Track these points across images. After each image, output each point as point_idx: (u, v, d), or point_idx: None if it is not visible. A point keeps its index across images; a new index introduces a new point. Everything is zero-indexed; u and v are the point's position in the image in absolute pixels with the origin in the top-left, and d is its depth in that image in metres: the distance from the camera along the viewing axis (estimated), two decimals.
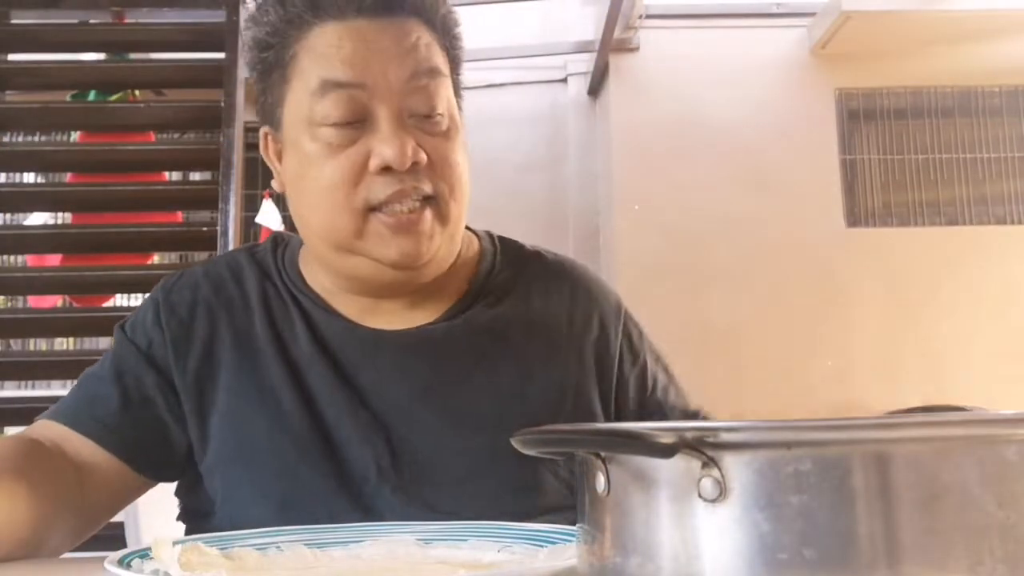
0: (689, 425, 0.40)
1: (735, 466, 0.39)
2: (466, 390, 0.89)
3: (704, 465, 0.39)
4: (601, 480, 0.44)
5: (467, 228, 0.99)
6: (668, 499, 0.41)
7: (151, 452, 0.90)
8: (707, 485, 0.39)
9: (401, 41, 0.84)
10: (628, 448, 0.41)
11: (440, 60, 0.87)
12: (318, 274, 0.93)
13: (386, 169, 0.82)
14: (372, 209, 0.83)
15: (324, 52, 0.83)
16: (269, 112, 0.90)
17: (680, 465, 0.40)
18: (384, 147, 0.81)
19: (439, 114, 0.85)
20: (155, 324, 0.92)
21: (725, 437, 0.39)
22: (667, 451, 0.39)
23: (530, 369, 0.91)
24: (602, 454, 0.43)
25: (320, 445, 0.86)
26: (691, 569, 0.40)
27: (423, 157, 0.83)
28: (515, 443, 0.47)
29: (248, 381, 0.89)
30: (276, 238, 1.00)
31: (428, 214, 0.84)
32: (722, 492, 0.39)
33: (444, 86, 0.86)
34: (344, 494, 0.85)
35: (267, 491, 0.86)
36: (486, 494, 0.84)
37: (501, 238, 1.02)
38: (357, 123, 0.83)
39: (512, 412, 0.89)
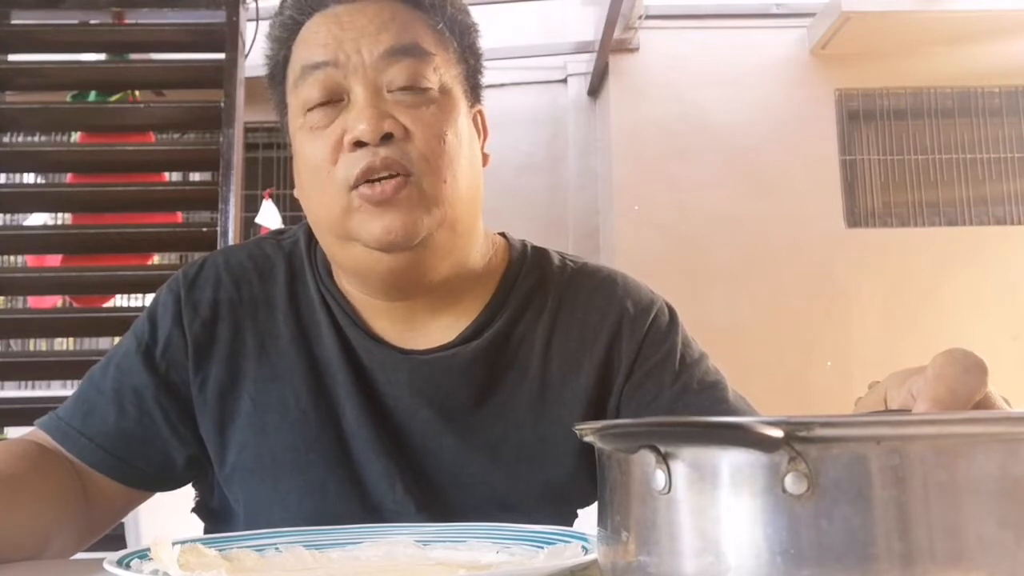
0: (783, 419, 0.39)
1: (822, 460, 0.39)
2: (483, 414, 0.87)
3: (791, 459, 0.39)
4: (660, 477, 0.42)
5: (502, 235, 0.97)
6: (748, 495, 0.40)
7: (147, 469, 0.88)
8: (792, 480, 0.39)
9: (375, 19, 0.82)
10: (731, 440, 0.40)
11: (426, 38, 0.83)
12: (342, 276, 0.90)
13: (360, 144, 0.79)
14: (353, 187, 0.80)
15: (304, 41, 0.84)
16: (282, 120, 0.89)
17: (762, 460, 0.39)
18: (356, 121, 0.79)
19: (424, 88, 0.82)
20: (175, 323, 0.88)
21: (820, 432, 0.39)
22: (772, 444, 0.39)
23: (545, 391, 0.88)
24: (662, 450, 0.42)
25: (343, 461, 0.85)
26: (775, 564, 0.39)
27: (398, 128, 0.79)
28: (596, 438, 0.45)
29: (272, 389, 0.87)
30: (310, 229, 0.93)
31: (407, 190, 0.80)
32: (809, 486, 0.39)
33: (428, 62, 0.82)
34: (367, 512, 0.84)
35: (295, 508, 0.85)
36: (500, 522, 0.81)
37: (535, 248, 0.97)
38: (335, 103, 0.81)
39: (527, 437, 0.87)
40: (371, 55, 0.81)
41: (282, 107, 0.89)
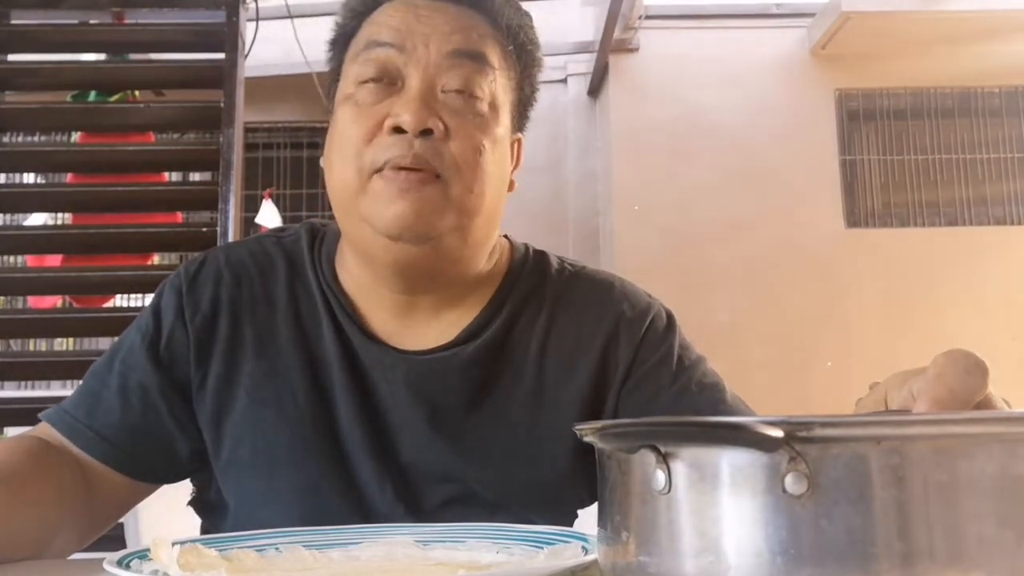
0: (783, 419, 0.39)
1: (822, 460, 0.39)
2: (478, 416, 0.87)
3: (791, 459, 0.39)
4: (660, 477, 0.42)
5: (506, 238, 0.97)
6: (747, 495, 0.40)
7: (152, 462, 0.89)
8: (792, 480, 0.39)
9: (452, 21, 0.84)
10: (731, 441, 0.40)
11: (493, 53, 0.85)
12: (350, 264, 0.90)
13: (399, 131, 0.80)
14: (378, 170, 0.80)
15: (377, 21, 0.86)
16: (330, 88, 0.90)
17: (763, 460, 0.39)
18: (402, 108, 0.80)
19: (475, 96, 0.83)
20: (178, 318, 0.89)
21: (820, 432, 0.39)
22: (772, 444, 0.39)
23: (541, 393, 0.89)
24: (662, 450, 0.42)
25: (336, 460, 0.85)
26: (775, 564, 0.39)
27: (439, 126, 0.80)
28: (597, 438, 0.45)
29: (269, 386, 0.87)
30: (312, 227, 0.95)
31: (432, 187, 0.80)
32: (809, 486, 0.39)
33: (488, 75, 0.84)
34: (359, 512, 0.84)
35: (289, 505, 0.85)
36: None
37: (536, 251, 0.98)
38: (388, 85, 0.83)
39: (521, 439, 0.87)
40: (437, 52, 0.83)
41: (335, 75, 0.90)
